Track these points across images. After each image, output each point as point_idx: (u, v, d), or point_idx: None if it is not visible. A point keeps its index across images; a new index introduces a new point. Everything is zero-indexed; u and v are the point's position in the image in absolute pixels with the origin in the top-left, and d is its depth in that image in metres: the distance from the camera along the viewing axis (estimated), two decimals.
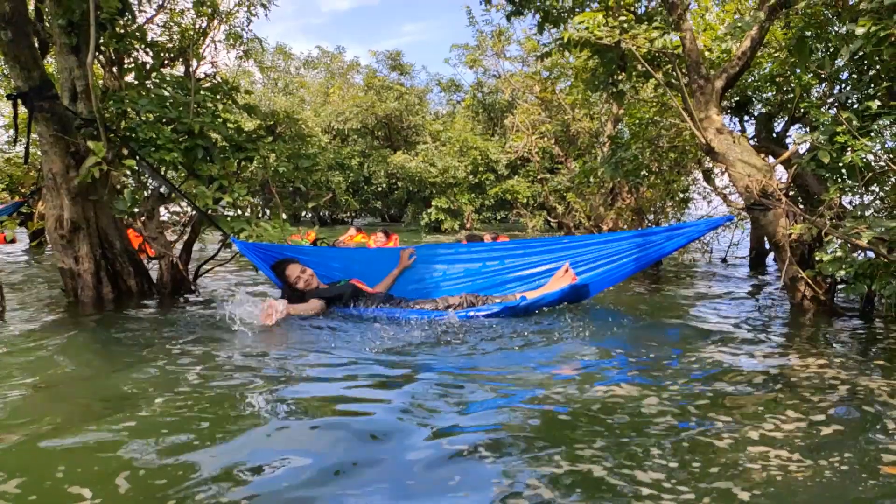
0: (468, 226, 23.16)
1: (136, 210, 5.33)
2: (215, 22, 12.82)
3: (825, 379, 3.28)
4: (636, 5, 6.89)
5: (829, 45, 5.82)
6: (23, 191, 11.05)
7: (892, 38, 3.36)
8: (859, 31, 3.49)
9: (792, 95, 7.24)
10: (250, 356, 3.63)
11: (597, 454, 2.29)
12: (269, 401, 2.86)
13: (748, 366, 3.56)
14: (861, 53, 5.78)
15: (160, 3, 12.28)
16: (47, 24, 6.48)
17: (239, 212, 5.69)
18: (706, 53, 7.23)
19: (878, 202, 5.62)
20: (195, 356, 3.63)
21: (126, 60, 7.66)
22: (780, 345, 4.17)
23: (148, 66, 6.75)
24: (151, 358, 3.58)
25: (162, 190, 5.51)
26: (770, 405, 2.85)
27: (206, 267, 6.31)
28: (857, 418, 2.70)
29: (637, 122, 8.36)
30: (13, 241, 11.38)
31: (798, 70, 6.11)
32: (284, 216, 5.84)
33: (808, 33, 5.34)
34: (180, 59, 10.70)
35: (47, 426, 2.52)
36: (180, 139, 5.18)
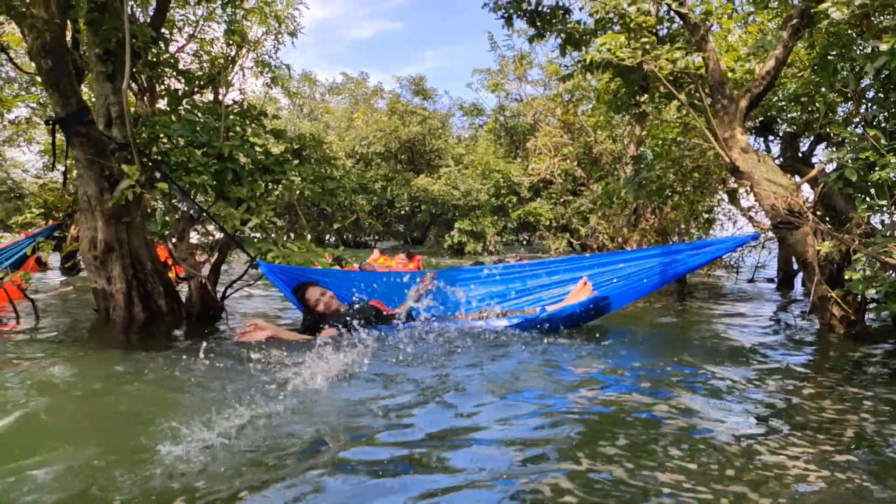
0: (491, 248, 23.17)
1: (166, 232, 5.45)
2: (244, 50, 13.17)
3: (849, 398, 3.23)
4: (658, 27, 6.94)
5: (854, 63, 5.79)
6: (57, 215, 11.34)
7: None
8: (884, 46, 3.49)
9: (817, 115, 7.20)
10: (269, 378, 3.68)
11: (618, 454, 2.37)
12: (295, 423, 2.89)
13: (772, 383, 3.51)
14: (886, 72, 5.75)
15: (191, 32, 12.66)
16: (83, 53, 6.71)
17: (266, 234, 5.78)
18: (729, 74, 7.23)
19: None
20: (217, 377, 3.68)
21: (158, 88, 7.90)
22: (806, 363, 4.10)
23: (179, 93, 6.96)
24: (177, 378, 3.64)
25: (192, 212, 5.63)
26: (784, 429, 2.81)
27: (233, 288, 6.41)
28: (880, 438, 2.65)
29: (660, 142, 8.36)
30: (45, 266, 11.66)
31: (823, 89, 6.08)
32: (309, 237, 5.92)
33: (832, 52, 5.32)
34: (210, 87, 11.00)
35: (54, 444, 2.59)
36: (210, 162, 5.31)
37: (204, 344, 4.18)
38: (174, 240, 5.60)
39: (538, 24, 7.21)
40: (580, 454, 2.36)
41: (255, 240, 5.64)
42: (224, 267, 6.57)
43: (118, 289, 5.40)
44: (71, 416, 2.87)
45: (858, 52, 5.51)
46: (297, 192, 6.55)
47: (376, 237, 30.23)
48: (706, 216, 9.71)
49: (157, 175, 5.24)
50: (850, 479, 2.23)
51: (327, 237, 28.65)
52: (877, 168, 4.20)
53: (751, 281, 9.93)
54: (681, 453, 2.44)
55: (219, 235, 6.08)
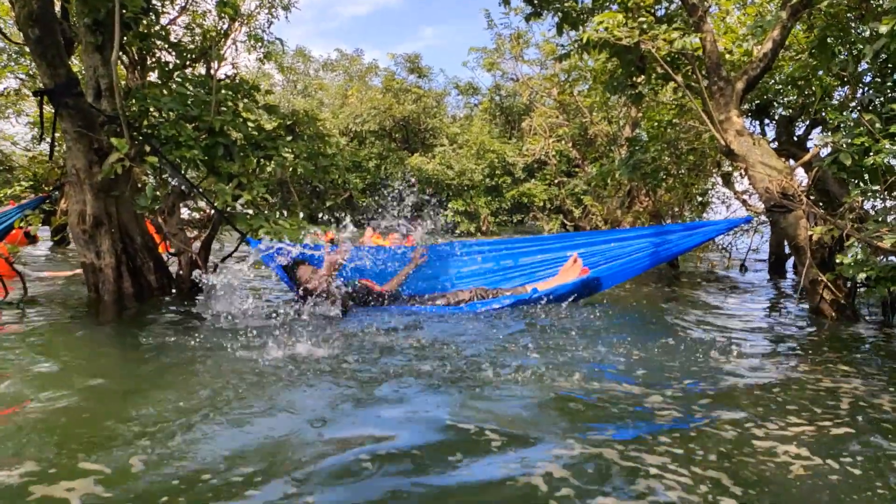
0: (484, 228, 23.15)
1: (156, 206, 5.39)
2: (236, 24, 12.98)
3: (838, 383, 3.25)
4: (656, 7, 6.87)
5: (852, 47, 5.75)
6: (46, 188, 11.22)
7: None
8: (883, 28, 3.46)
9: (813, 99, 7.17)
10: (251, 353, 3.67)
11: (608, 440, 2.36)
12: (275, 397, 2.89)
13: (761, 367, 3.53)
14: (884, 56, 5.72)
15: (182, 4, 12.45)
16: (73, 23, 6.59)
17: (257, 210, 5.72)
18: (726, 56, 7.18)
19: None
20: (206, 354, 3.66)
21: (149, 60, 7.78)
22: (796, 347, 4.12)
23: (170, 66, 6.84)
24: (166, 353, 3.62)
25: (182, 187, 5.57)
26: (781, 405, 2.83)
27: (224, 264, 6.37)
28: (869, 423, 2.67)
29: (656, 124, 8.33)
30: (35, 239, 11.54)
31: (820, 72, 6.05)
32: (301, 215, 5.87)
33: (831, 35, 5.28)
34: (202, 61, 10.84)
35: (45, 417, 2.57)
36: (201, 137, 5.24)
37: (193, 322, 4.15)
38: (164, 214, 5.54)
39: (535, 1, 7.12)
40: (571, 440, 2.36)
41: (247, 216, 5.59)
42: (216, 246, 6.53)
43: (107, 263, 5.35)
44: (50, 393, 2.85)
45: (857, 35, 5.47)
46: (290, 168, 6.49)
47: (371, 217, 30.15)
48: (700, 199, 9.71)
49: (147, 149, 5.17)
50: (843, 470, 2.24)
51: (321, 216, 28.56)
52: (871, 153, 4.19)
53: (742, 265, 9.96)
54: (673, 438, 2.45)
55: (210, 212, 6.03)
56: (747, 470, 2.15)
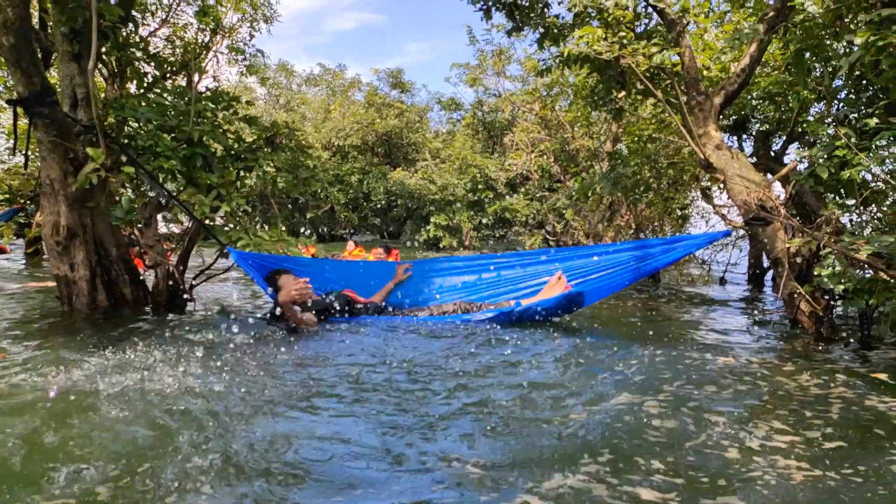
0: (467, 243, 23.16)
1: (132, 218, 5.31)
2: (218, 37, 12.94)
3: (823, 394, 3.25)
4: (635, 24, 6.95)
5: (828, 64, 5.86)
6: (20, 200, 11.03)
7: (891, 49, 3.37)
8: (858, 41, 3.51)
9: (790, 114, 7.28)
10: (238, 369, 3.60)
11: (601, 469, 2.25)
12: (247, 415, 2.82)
13: (744, 379, 3.53)
14: (858, 73, 5.82)
15: (164, 17, 12.39)
16: (51, 33, 6.51)
17: (236, 222, 5.65)
18: (704, 72, 7.28)
19: (875, 221, 5.62)
20: (183, 368, 3.58)
21: (128, 71, 7.70)
22: (777, 358, 4.14)
23: (150, 78, 6.79)
24: (138, 366, 3.54)
25: (160, 198, 5.49)
26: (768, 419, 2.82)
27: (202, 277, 6.28)
28: (857, 430, 2.67)
29: (636, 139, 8.40)
30: (2, 251, 11.31)
31: (796, 87, 6.14)
32: (283, 228, 5.81)
33: (807, 50, 5.37)
34: (183, 73, 10.77)
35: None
36: (179, 147, 5.18)
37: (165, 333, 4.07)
38: (140, 226, 5.45)
39: (517, 16, 7.18)
40: (560, 465, 2.29)
41: (226, 228, 5.52)
42: (198, 261, 6.44)
43: (81, 275, 5.25)
44: (14, 409, 2.76)
45: (832, 51, 5.57)
46: (270, 180, 6.44)
47: (352, 230, 30.04)
48: (680, 213, 9.79)
49: (124, 159, 5.10)
50: (841, 479, 2.23)
51: (302, 229, 28.41)
52: (848, 167, 4.24)
53: (722, 280, 10.04)
54: (665, 453, 2.42)
55: (188, 224, 5.94)
56: (747, 481, 2.13)
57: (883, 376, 3.63)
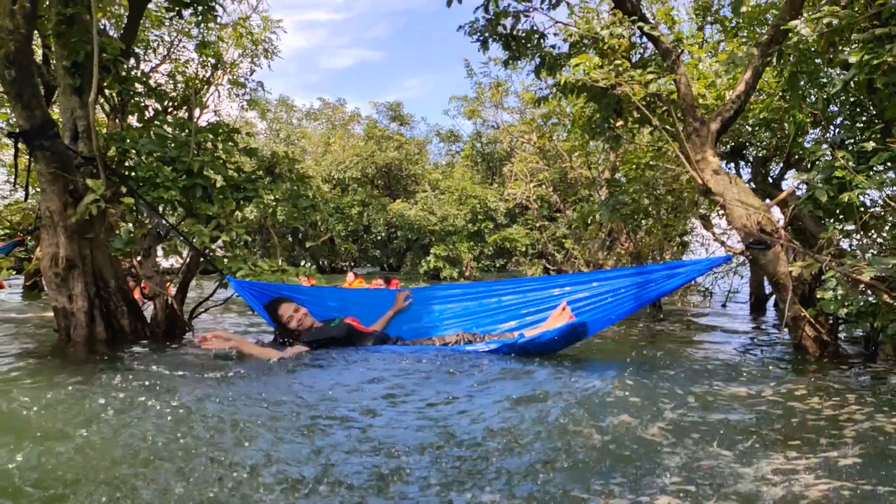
0: (467, 273, 23.14)
1: (131, 249, 5.30)
2: (219, 72, 13.12)
3: (833, 416, 3.20)
4: (631, 53, 7.04)
5: (823, 89, 5.91)
6: (20, 234, 11.03)
7: (885, 67, 3.40)
8: (852, 59, 3.54)
9: (786, 140, 7.34)
10: (238, 400, 3.54)
11: (612, 488, 2.22)
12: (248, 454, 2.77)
13: (753, 402, 3.47)
14: (854, 98, 5.87)
15: (165, 53, 12.58)
16: (53, 69, 6.60)
17: (236, 251, 5.64)
18: (700, 100, 7.35)
19: (877, 247, 5.61)
20: (179, 402, 3.52)
21: (130, 104, 7.78)
22: (783, 382, 4.08)
23: (151, 111, 6.85)
24: (134, 399, 3.49)
25: (159, 229, 5.49)
26: (777, 442, 2.77)
27: (202, 308, 6.25)
28: (871, 452, 2.62)
29: (634, 167, 8.45)
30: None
31: (793, 109, 6.19)
32: (281, 261, 5.80)
33: (801, 70, 5.42)
34: (184, 108, 10.89)
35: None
36: (179, 178, 5.19)
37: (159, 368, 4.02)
38: (139, 257, 5.44)
39: (513, 47, 7.27)
40: (575, 487, 2.25)
41: (226, 259, 5.51)
42: (197, 292, 6.41)
43: (79, 307, 5.21)
44: (11, 443, 2.71)
45: (826, 75, 5.63)
46: (270, 211, 6.46)
47: (352, 263, 30.07)
48: (680, 239, 9.79)
49: (123, 190, 5.11)
50: (858, 485, 2.17)
51: (302, 263, 28.43)
52: (848, 188, 4.24)
53: (723, 306, 9.99)
54: (676, 476, 2.37)
55: (187, 258, 5.93)
56: (762, 499, 2.07)
57: (887, 398, 3.58)
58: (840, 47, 5.31)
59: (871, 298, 4.39)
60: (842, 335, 5.40)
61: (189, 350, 5.16)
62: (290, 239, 26.35)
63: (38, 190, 5.31)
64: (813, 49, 5.55)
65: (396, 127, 29.92)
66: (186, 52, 12.66)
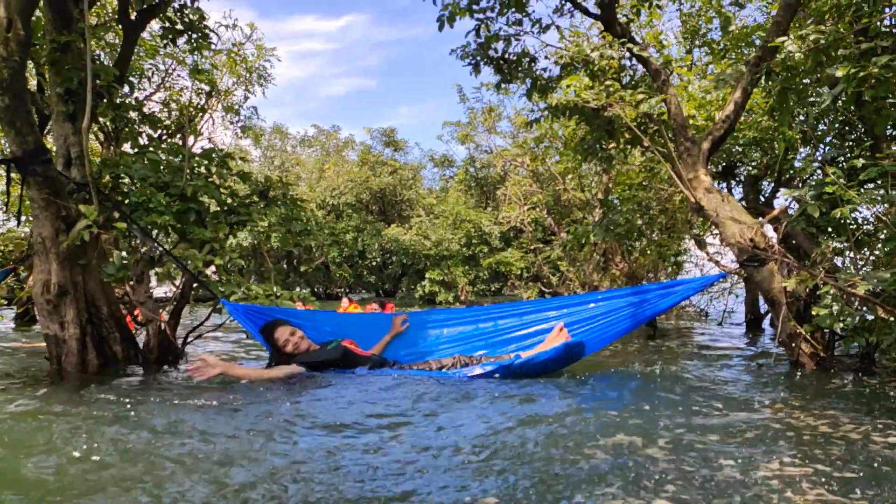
0: (463, 297, 23.07)
1: (123, 275, 5.26)
2: (213, 100, 13.20)
3: (826, 432, 3.18)
4: (621, 75, 7.13)
5: (812, 107, 5.98)
6: (12, 262, 10.93)
7: (872, 80, 3.45)
8: (839, 73, 3.58)
9: (777, 158, 7.39)
10: (233, 432, 3.50)
11: (613, 494, 2.23)
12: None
13: (748, 419, 3.45)
14: (843, 117, 5.94)
15: (159, 82, 12.67)
16: (47, 96, 6.62)
17: (228, 276, 5.61)
18: (690, 121, 7.43)
19: (870, 264, 5.63)
20: (172, 431, 3.47)
21: (124, 132, 7.80)
22: (779, 399, 4.06)
23: (145, 138, 6.86)
24: (126, 428, 3.44)
25: (152, 254, 5.46)
26: (773, 455, 2.74)
27: (195, 333, 6.19)
28: (863, 469, 2.59)
29: (626, 188, 8.49)
30: None
31: (783, 125, 6.25)
32: (276, 285, 5.76)
33: (790, 87, 5.49)
34: (178, 135, 10.93)
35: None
36: (172, 203, 5.18)
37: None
38: (132, 283, 5.40)
39: (504, 70, 7.35)
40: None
41: (220, 283, 5.48)
42: (190, 318, 6.36)
43: (71, 334, 5.15)
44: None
45: (814, 96, 5.70)
46: (264, 235, 6.44)
47: (347, 289, 29.96)
48: (674, 259, 9.81)
49: (116, 215, 5.09)
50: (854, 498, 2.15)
51: (297, 288, 28.31)
52: (840, 204, 4.26)
53: (719, 324, 9.98)
54: (672, 486, 2.34)
55: (180, 283, 5.89)
56: None
57: (884, 416, 3.56)
58: (827, 66, 5.39)
59: (867, 315, 4.38)
60: (839, 349, 5.39)
61: (180, 377, 5.10)
62: (286, 266, 26.28)
63: (31, 217, 5.28)
64: (801, 69, 5.63)
65: (391, 152, 30.09)
66: (181, 81, 12.77)
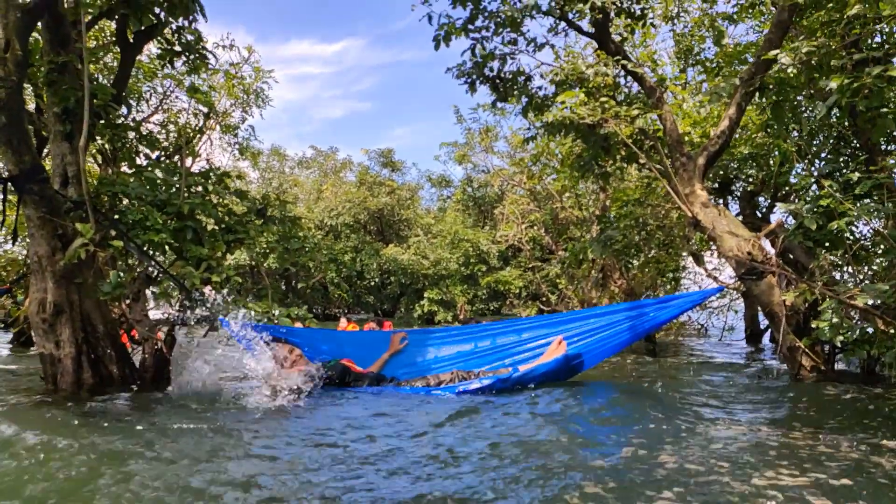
0: (461, 316, 22.98)
1: (119, 293, 5.23)
2: (211, 121, 13.26)
3: (824, 442, 3.15)
4: (616, 92, 7.17)
5: (806, 122, 6.01)
6: (7, 282, 10.87)
7: (865, 91, 3.46)
8: (833, 84, 3.60)
9: (772, 174, 7.42)
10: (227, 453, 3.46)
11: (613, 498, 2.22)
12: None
13: (750, 433, 3.41)
14: (837, 133, 5.97)
15: (157, 104, 12.73)
16: (45, 117, 6.64)
17: (224, 295, 5.58)
18: (686, 137, 7.46)
19: (868, 277, 5.62)
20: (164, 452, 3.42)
21: (122, 152, 7.80)
22: (782, 411, 4.03)
23: (142, 158, 6.86)
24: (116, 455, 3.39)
25: (149, 272, 5.43)
26: (774, 469, 2.71)
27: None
28: (860, 478, 2.57)
29: (623, 204, 8.51)
30: None
31: (778, 139, 6.27)
32: (274, 303, 5.74)
33: (784, 101, 5.52)
34: (176, 156, 10.94)
35: None
36: (169, 221, 5.17)
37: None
38: (128, 301, 5.37)
39: (500, 89, 7.40)
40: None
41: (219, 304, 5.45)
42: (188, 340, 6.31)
43: (67, 353, 5.11)
44: None
45: (808, 110, 5.74)
46: (260, 255, 6.43)
47: (345, 309, 29.84)
48: (672, 275, 9.80)
49: (112, 233, 5.08)
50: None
51: (295, 311, 28.15)
52: (836, 217, 4.26)
53: (720, 340, 9.95)
54: (674, 492, 2.31)
55: (177, 308, 5.86)
56: None
57: (885, 427, 3.53)
58: (820, 81, 5.43)
59: (868, 328, 4.36)
60: (839, 362, 5.36)
61: (176, 396, 5.05)
62: (284, 287, 26.19)
63: (27, 235, 5.26)
64: (794, 86, 5.66)
65: (388, 173, 30.15)
66: (179, 103, 12.82)
